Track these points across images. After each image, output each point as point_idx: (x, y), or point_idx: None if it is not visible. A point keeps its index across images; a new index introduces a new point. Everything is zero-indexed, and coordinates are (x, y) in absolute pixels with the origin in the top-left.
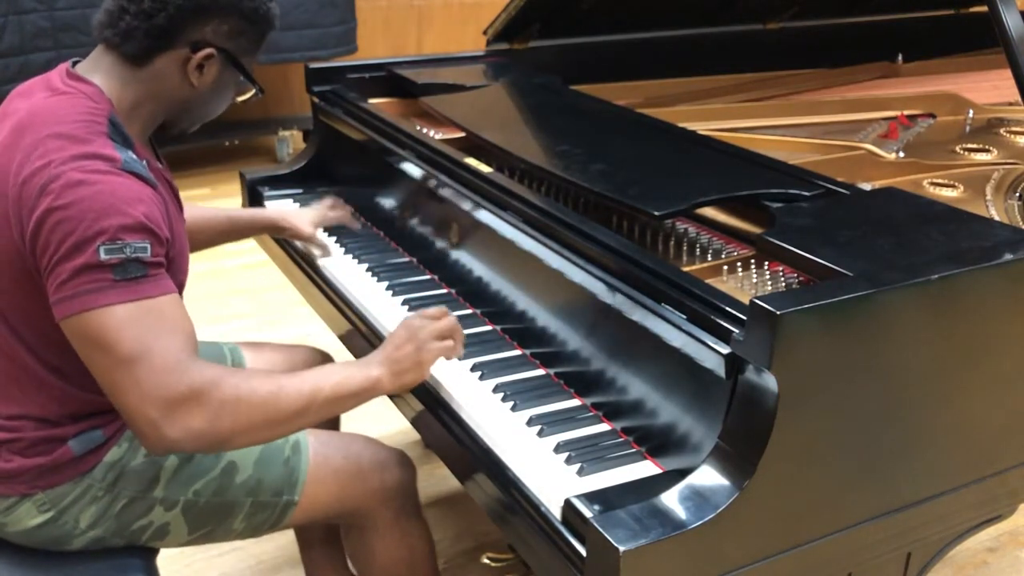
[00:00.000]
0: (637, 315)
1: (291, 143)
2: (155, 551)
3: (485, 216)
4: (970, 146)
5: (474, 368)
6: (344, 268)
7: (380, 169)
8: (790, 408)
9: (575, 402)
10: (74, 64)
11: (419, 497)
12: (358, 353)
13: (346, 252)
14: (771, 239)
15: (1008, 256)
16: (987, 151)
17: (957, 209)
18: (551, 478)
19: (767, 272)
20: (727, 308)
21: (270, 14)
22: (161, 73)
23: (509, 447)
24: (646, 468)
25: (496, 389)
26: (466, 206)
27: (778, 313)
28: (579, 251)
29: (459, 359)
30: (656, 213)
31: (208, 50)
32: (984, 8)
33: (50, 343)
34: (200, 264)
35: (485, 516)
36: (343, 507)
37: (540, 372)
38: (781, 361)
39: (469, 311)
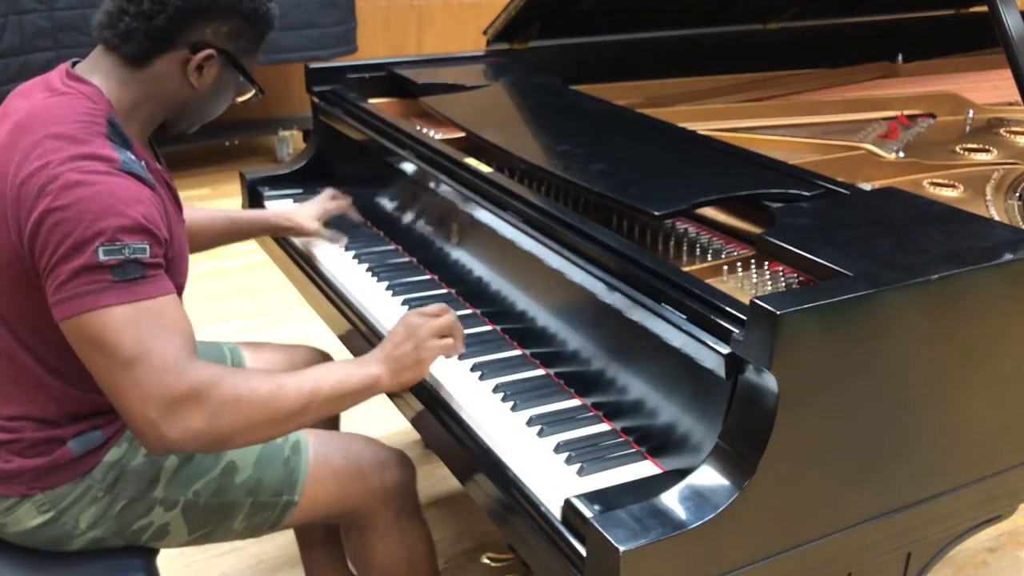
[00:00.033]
0: (637, 315)
1: (291, 143)
2: (155, 551)
3: (485, 216)
4: (970, 146)
5: (474, 368)
6: (344, 268)
7: (380, 169)
8: (790, 408)
9: (575, 402)
10: (73, 64)
11: (419, 497)
12: (358, 353)
13: (346, 252)
14: (771, 239)
15: (1008, 256)
16: (987, 151)
17: (957, 209)
18: (551, 478)
19: (767, 272)
20: (727, 308)
21: (270, 15)
22: (161, 74)
23: (509, 447)
24: (646, 468)
25: (496, 389)
26: (466, 206)
27: (778, 313)
28: (579, 251)
29: (459, 358)
30: (656, 213)
31: (208, 51)
32: (984, 8)
33: (49, 344)
34: (200, 264)
35: (485, 516)
36: (343, 507)
37: (540, 372)
38: (781, 361)
39: (469, 311)
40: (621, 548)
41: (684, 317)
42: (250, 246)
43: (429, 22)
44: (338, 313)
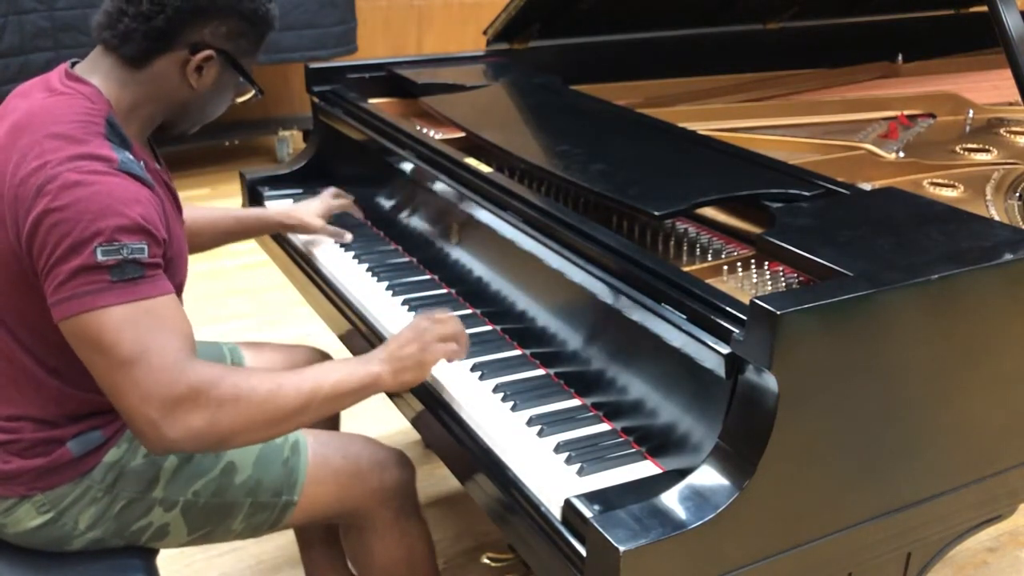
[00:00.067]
0: (637, 315)
1: (291, 143)
2: (155, 551)
3: (485, 216)
4: (970, 146)
5: (474, 368)
6: (344, 268)
7: (380, 169)
8: (790, 408)
9: (575, 402)
10: (73, 65)
11: (418, 497)
12: (358, 353)
13: (346, 252)
14: (771, 239)
15: (1008, 256)
16: (987, 151)
17: (957, 209)
18: (551, 478)
19: (767, 272)
20: (727, 308)
21: (269, 15)
22: (160, 75)
23: (509, 447)
24: (646, 468)
25: (496, 389)
26: (466, 206)
27: (778, 313)
28: (579, 251)
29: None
30: (656, 213)
31: (207, 52)
32: (984, 8)
33: (48, 344)
34: (200, 264)
35: (485, 516)
36: (342, 507)
37: (540, 372)
38: (781, 361)
39: (469, 311)
40: (621, 548)
41: (684, 317)
42: (249, 246)
43: (429, 22)
44: (338, 313)
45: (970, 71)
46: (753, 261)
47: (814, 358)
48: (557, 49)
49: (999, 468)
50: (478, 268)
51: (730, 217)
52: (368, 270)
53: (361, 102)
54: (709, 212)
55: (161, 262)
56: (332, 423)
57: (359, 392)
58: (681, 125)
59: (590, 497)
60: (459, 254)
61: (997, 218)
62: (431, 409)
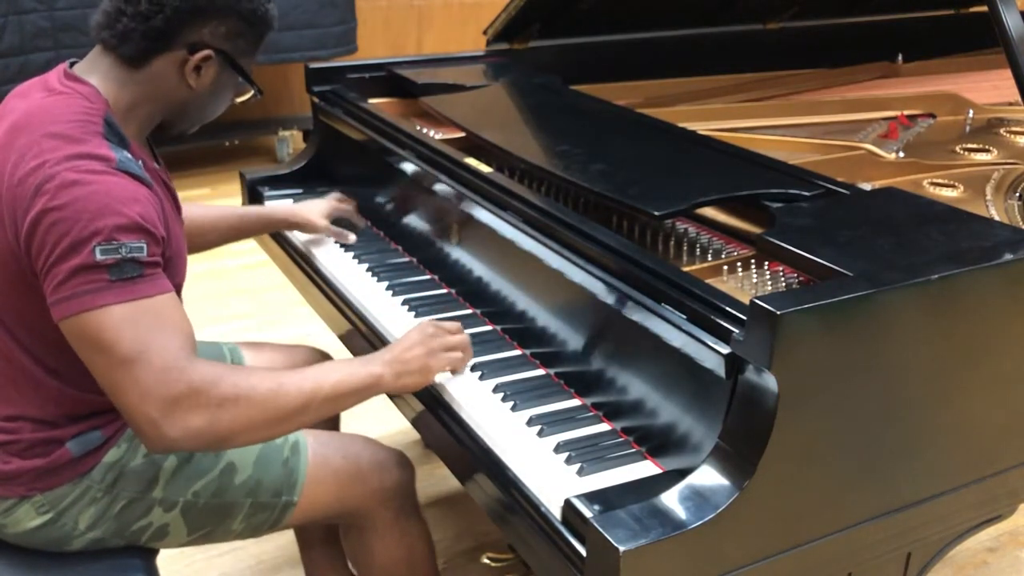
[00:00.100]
0: (637, 315)
1: (291, 143)
2: (155, 551)
3: (485, 216)
4: (970, 146)
5: (474, 368)
6: (344, 268)
7: (380, 169)
8: (790, 408)
9: (575, 402)
10: (72, 65)
11: (418, 497)
12: (358, 353)
13: (346, 252)
14: (771, 239)
15: (1008, 256)
16: (987, 151)
17: (957, 209)
18: (551, 478)
19: (767, 272)
20: (727, 308)
21: (268, 15)
22: (158, 75)
23: (509, 447)
24: (646, 468)
25: (496, 389)
26: (466, 206)
27: (778, 313)
28: (579, 251)
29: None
30: (656, 213)
31: (206, 52)
32: (984, 8)
33: (47, 344)
34: (200, 264)
35: (485, 516)
36: (342, 507)
37: (540, 372)
38: (781, 361)
39: (469, 311)
40: (621, 548)
41: (684, 317)
42: (250, 245)
43: (429, 22)
44: (338, 313)
45: (970, 71)
46: (753, 261)
47: (814, 358)
48: (557, 49)
49: (999, 468)
50: (478, 268)
51: (730, 217)
52: (368, 270)
53: (361, 102)
54: (709, 212)
55: (160, 261)
56: (332, 423)
57: (360, 393)
58: (681, 125)
59: (590, 497)
60: (459, 254)
61: (997, 218)
62: (431, 409)
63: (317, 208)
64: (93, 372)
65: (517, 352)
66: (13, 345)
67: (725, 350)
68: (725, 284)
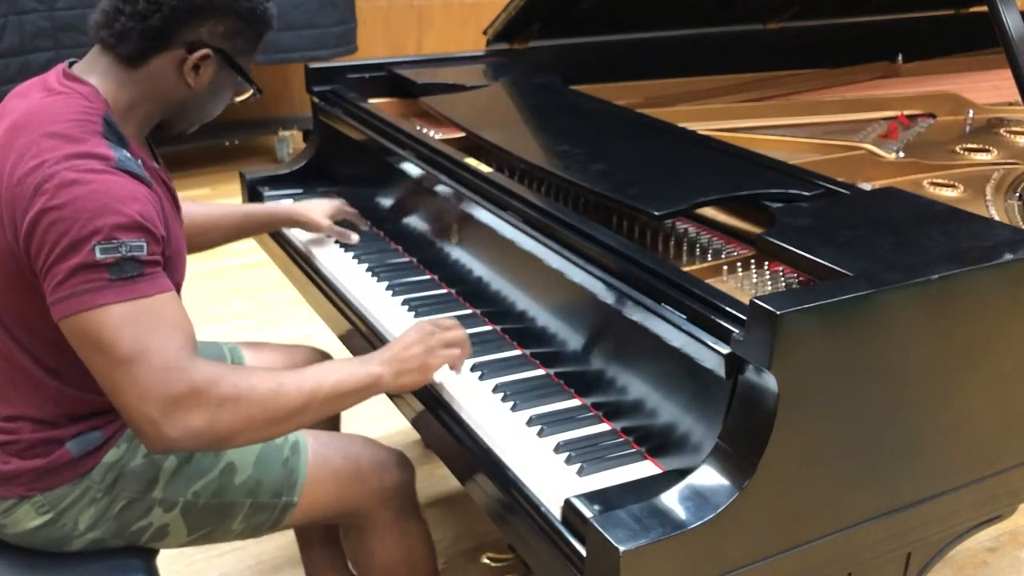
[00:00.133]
0: (637, 315)
1: (291, 143)
2: (155, 552)
3: (485, 216)
4: (970, 146)
5: (474, 368)
6: (344, 268)
7: (380, 169)
8: (790, 408)
9: (575, 402)
10: (71, 64)
11: (418, 497)
12: (358, 353)
13: (346, 252)
14: (771, 239)
15: (1008, 256)
16: (987, 151)
17: (957, 209)
18: (551, 478)
19: (767, 272)
20: (727, 308)
21: (267, 14)
22: (157, 74)
23: (509, 447)
24: (646, 468)
25: (496, 389)
26: (466, 206)
27: (778, 313)
28: (579, 251)
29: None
30: (656, 213)
31: (204, 51)
32: (984, 8)
33: (46, 344)
34: (200, 264)
35: (485, 516)
36: (342, 508)
37: (540, 372)
38: (781, 361)
39: (469, 311)
40: (621, 548)
41: (684, 317)
42: (250, 245)
43: (429, 22)
44: (338, 313)
45: (970, 71)
46: (753, 261)
47: (814, 358)
48: (557, 49)
49: (999, 468)
50: (478, 268)
51: (730, 217)
52: (368, 270)
53: (361, 102)
54: (709, 212)
55: (160, 260)
56: (332, 423)
57: (360, 392)
58: (681, 125)
59: (590, 497)
60: (459, 254)
61: (997, 218)
62: (431, 409)
63: (321, 208)
64: (92, 372)
65: (517, 352)
66: (13, 345)
67: (725, 350)
68: (725, 284)
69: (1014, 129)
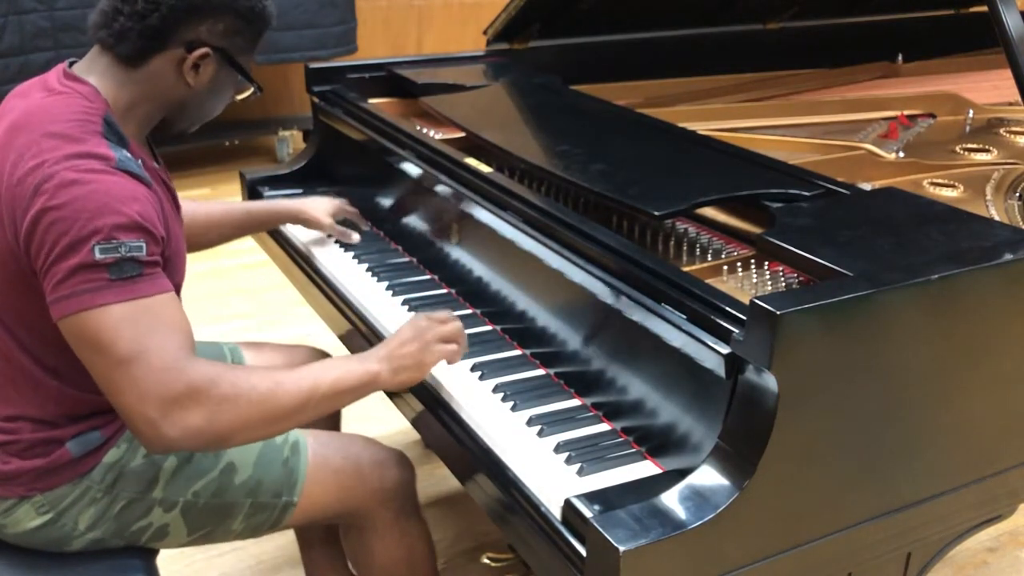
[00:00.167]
0: (637, 315)
1: (291, 143)
2: (155, 552)
3: (485, 216)
4: (970, 146)
5: (474, 368)
6: (344, 268)
7: (380, 169)
8: (790, 408)
9: (575, 402)
10: (71, 64)
11: (418, 497)
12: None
13: (346, 252)
14: (771, 239)
15: (1008, 256)
16: (987, 151)
17: (957, 209)
18: (551, 478)
19: (767, 272)
20: (727, 308)
21: (266, 12)
22: (157, 73)
23: (509, 447)
24: (646, 468)
25: (496, 389)
26: (466, 206)
27: (778, 313)
28: (579, 251)
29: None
30: (656, 213)
31: (203, 50)
32: (984, 8)
33: (46, 343)
34: (200, 264)
35: (485, 516)
36: (343, 508)
37: (540, 372)
38: (781, 361)
39: (469, 311)
40: (621, 548)
41: (684, 317)
42: (250, 245)
43: (429, 22)
44: (338, 313)
45: (970, 71)
46: (753, 261)
47: (814, 358)
48: (557, 49)
49: (999, 468)
50: (478, 268)
51: (730, 217)
52: (368, 270)
53: (361, 102)
54: (709, 212)
55: (160, 260)
56: (333, 423)
57: (358, 390)
58: (681, 125)
59: (590, 497)
60: (459, 254)
61: (997, 218)
62: (431, 409)
63: (323, 206)
64: (91, 372)
65: (517, 352)
66: (13, 345)
67: (725, 350)
68: (725, 284)
69: (1014, 129)
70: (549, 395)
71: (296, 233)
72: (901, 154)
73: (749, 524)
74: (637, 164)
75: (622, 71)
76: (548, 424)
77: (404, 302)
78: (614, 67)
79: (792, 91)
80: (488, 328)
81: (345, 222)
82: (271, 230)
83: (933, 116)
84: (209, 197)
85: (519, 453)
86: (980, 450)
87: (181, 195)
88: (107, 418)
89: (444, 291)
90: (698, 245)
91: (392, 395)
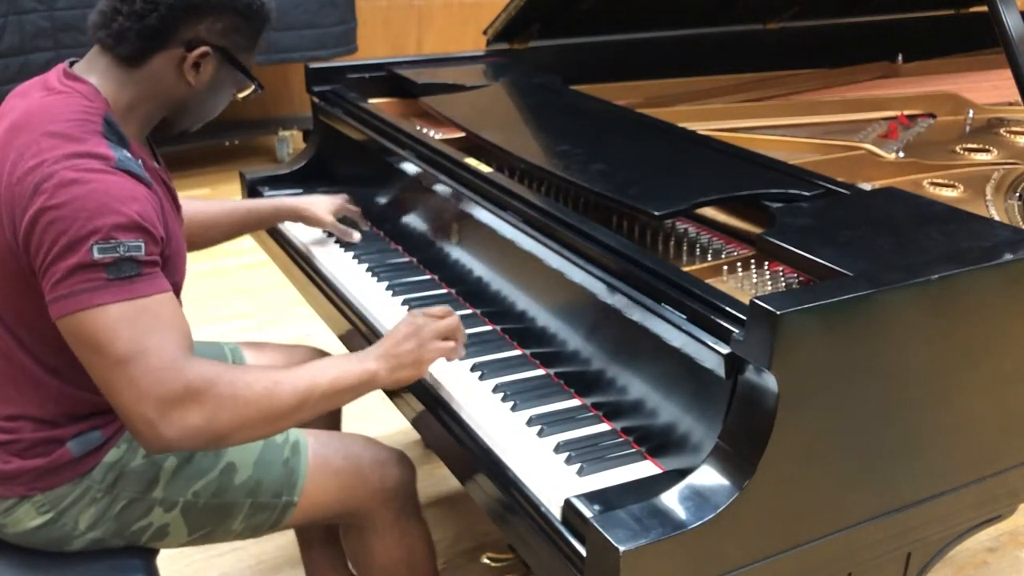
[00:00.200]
0: (637, 315)
1: (291, 143)
2: (155, 551)
3: (485, 216)
4: (970, 146)
5: (474, 368)
6: (344, 268)
7: (380, 169)
8: (790, 408)
9: (575, 402)
10: (72, 64)
11: (419, 497)
12: None
13: (346, 252)
14: (771, 239)
15: (1008, 256)
16: (987, 151)
17: (957, 209)
18: (551, 478)
19: (767, 272)
20: (727, 308)
21: (265, 9)
22: (157, 73)
23: (509, 447)
24: (646, 468)
25: (496, 389)
26: (466, 206)
27: (778, 313)
28: (579, 251)
29: (460, 359)
30: (656, 213)
31: (203, 48)
32: (984, 8)
33: (47, 342)
34: (200, 264)
35: (485, 516)
36: (343, 507)
37: (540, 372)
38: (781, 361)
39: (469, 311)
40: (621, 548)
41: (684, 317)
42: (250, 245)
43: (429, 22)
44: (338, 313)
45: (970, 71)
46: (753, 261)
47: (814, 358)
48: (557, 49)
49: (999, 468)
50: (478, 268)
51: (730, 217)
52: (368, 270)
53: (361, 102)
54: (709, 212)
55: (158, 260)
56: (334, 423)
57: (356, 389)
58: (681, 125)
59: (590, 497)
60: (459, 254)
61: (997, 218)
62: (431, 409)
63: (325, 204)
64: (90, 371)
65: (517, 352)
66: (13, 344)
67: (725, 350)
68: (725, 284)
69: (1014, 129)
70: (549, 395)
71: (296, 233)
72: (901, 154)
73: (749, 524)
74: (637, 164)
75: (622, 71)
76: (548, 424)
77: (404, 302)
78: (614, 67)
79: (792, 91)
80: (488, 328)
81: (346, 220)
82: (271, 229)
83: (933, 116)
84: (209, 197)
85: (519, 453)
86: (980, 450)
87: (181, 195)
88: (107, 418)
89: (444, 291)
90: (698, 245)
91: (392, 395)
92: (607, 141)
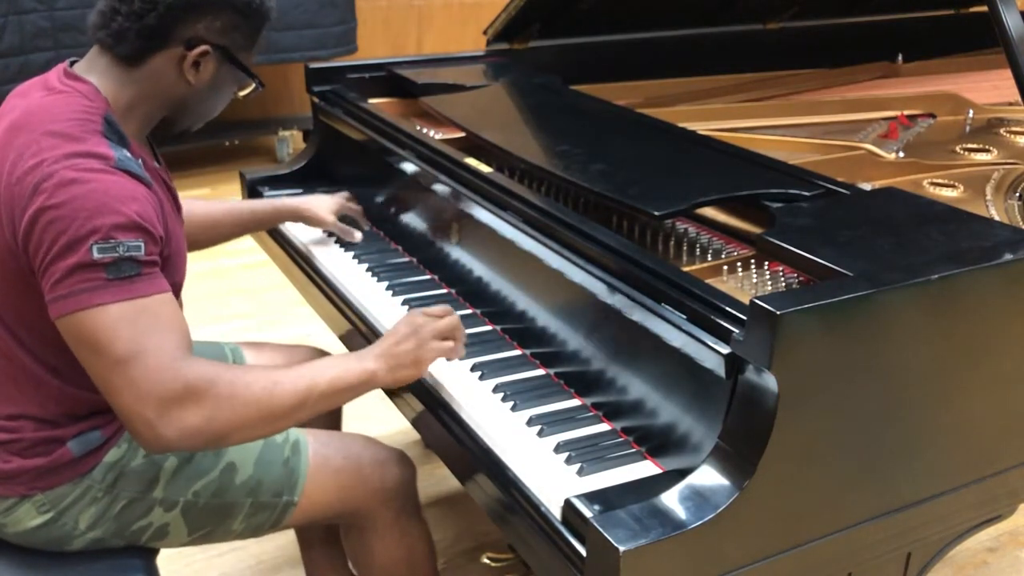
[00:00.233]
0: (637, 315)
1: (291, 143)
2: (155, 551)
3: (485, 216)
4: (970, 146)
5: (474, 368)
6: (344, 268)
7: (380, 169)
8: (790, 408)
9: (575, 402)
10: (72, 64)
11: (419, 497)
12: None
13: (346, 252)
14: (771, 239)
15: (1008, 256)
16: (987, 151)
17: (957, 209)
18: (551, 478)
19: (767, 272)
20: (727, 308)
21: (264, 7)
22: (157, 72)
23: (509, 447)
24: (646, 468)
25: (496, 389)
26: (466, 206)
27: (778, 313)
28: (579, 251)
29: (460, 359)
30: (656, 213)
31: (203, 47)
32: (984, 8)
33: (47, 342)
34: (200, 264)
35: (485, 516)
36: (343, 507)
37: (540, 372)
38: (781, 361)
39: (469, 311)
40: (621, 548)
41: (684, 317)
42: (250, 245)
43: (429, 22)
44: (338, 313)
45: (970, 71)
46: (753, 261)
47: (814, 358)
48: (557, 49)
49: (999, 468)
50: (478, 268)
51: (730, 217)
52: (368, 270)
53: (361, 102)
54: (709, 212)
55: (158, 260)
56: (334, 423)
57: (355, 389)
58: (681, 125)
59: (590, 497)
60: (459, 254)
61: (997, 218)
62: (431, 409)
63: (326, 204)
64: (89, 371)
65: (517, 352)
66: (13, 343)
67: (725, 350)
68: (725, 284)
69: (1014, 129)
70: (549, 395)
71: (296, 233)
72: (901, 154)
73: (749, 524)
74: (637, 164)
75: (622, 71)
76: (548, 424)
77: (404, 302)
78: (614, 67)
79: (792, 91)
80: (488, 328)
81: (347, 219)
82: (271, 229)
83: (933, 116)
84: (209, 197)
85: (519, 453)
86: (980, 450)
87: (181, 195)
88: (108, 417)
89: (444, 291)
90: (698, 245)
91: (392, 395)
92: (607, 141)
